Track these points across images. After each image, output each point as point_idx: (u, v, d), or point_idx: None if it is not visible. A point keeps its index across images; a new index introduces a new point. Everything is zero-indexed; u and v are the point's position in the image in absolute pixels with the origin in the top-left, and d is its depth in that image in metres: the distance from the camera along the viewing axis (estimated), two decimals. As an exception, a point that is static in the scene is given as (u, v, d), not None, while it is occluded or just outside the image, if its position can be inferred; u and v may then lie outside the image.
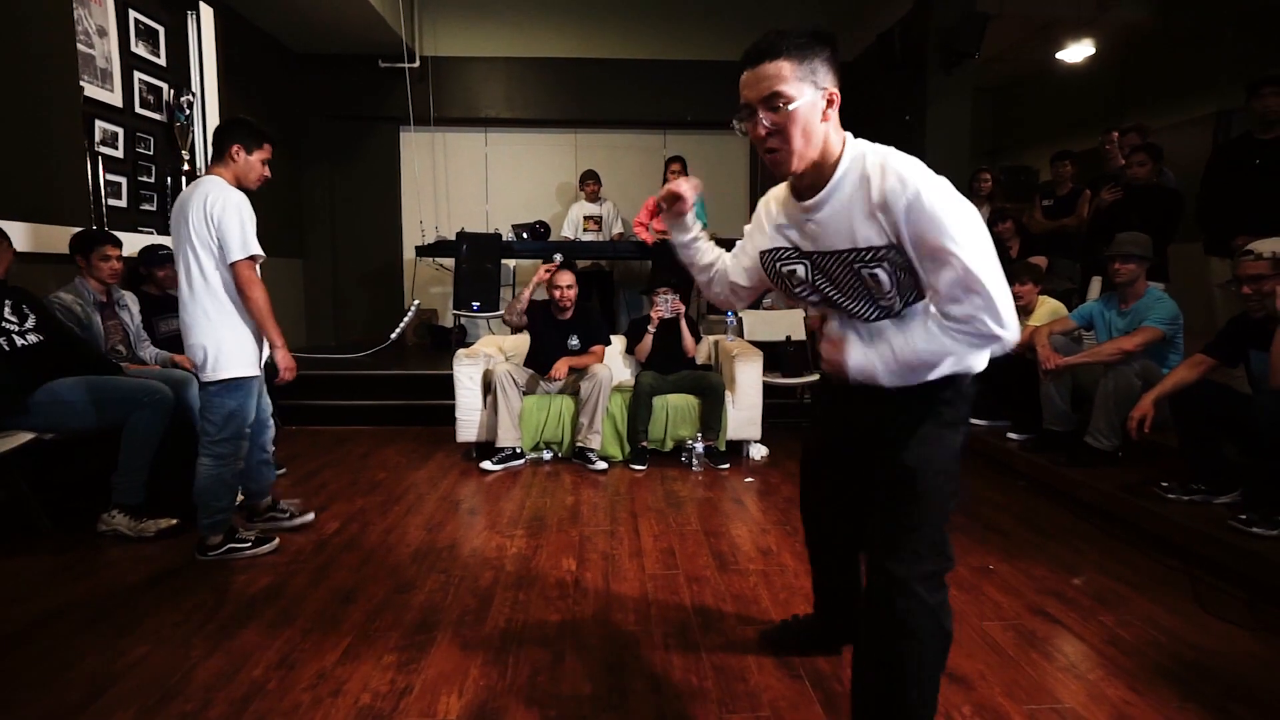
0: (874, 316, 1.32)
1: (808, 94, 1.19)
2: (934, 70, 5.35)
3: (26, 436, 2.49)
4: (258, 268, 2.41)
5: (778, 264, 1.41)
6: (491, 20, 6.59)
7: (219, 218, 2.30)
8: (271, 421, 2.82)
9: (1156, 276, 3.60)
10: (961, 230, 1.15)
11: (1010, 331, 1.20)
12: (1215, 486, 2.67)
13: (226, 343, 2.37)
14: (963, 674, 1.75)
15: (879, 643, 1.32)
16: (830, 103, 1.21)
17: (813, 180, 1.27)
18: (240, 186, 2.43)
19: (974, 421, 4.14)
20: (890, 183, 1.17)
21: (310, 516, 2.80)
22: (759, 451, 3.89)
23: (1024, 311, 3.82)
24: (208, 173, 2.42)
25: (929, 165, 1.20)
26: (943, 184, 1.18)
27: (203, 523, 2.42)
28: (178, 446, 2.71)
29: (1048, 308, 3.77)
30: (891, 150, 1.23)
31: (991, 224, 4.91)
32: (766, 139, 1.23)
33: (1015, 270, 3.88)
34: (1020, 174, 7.27)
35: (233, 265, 2.33)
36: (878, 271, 1.25)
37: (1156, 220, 3.76)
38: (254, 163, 2.46)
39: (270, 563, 2.42)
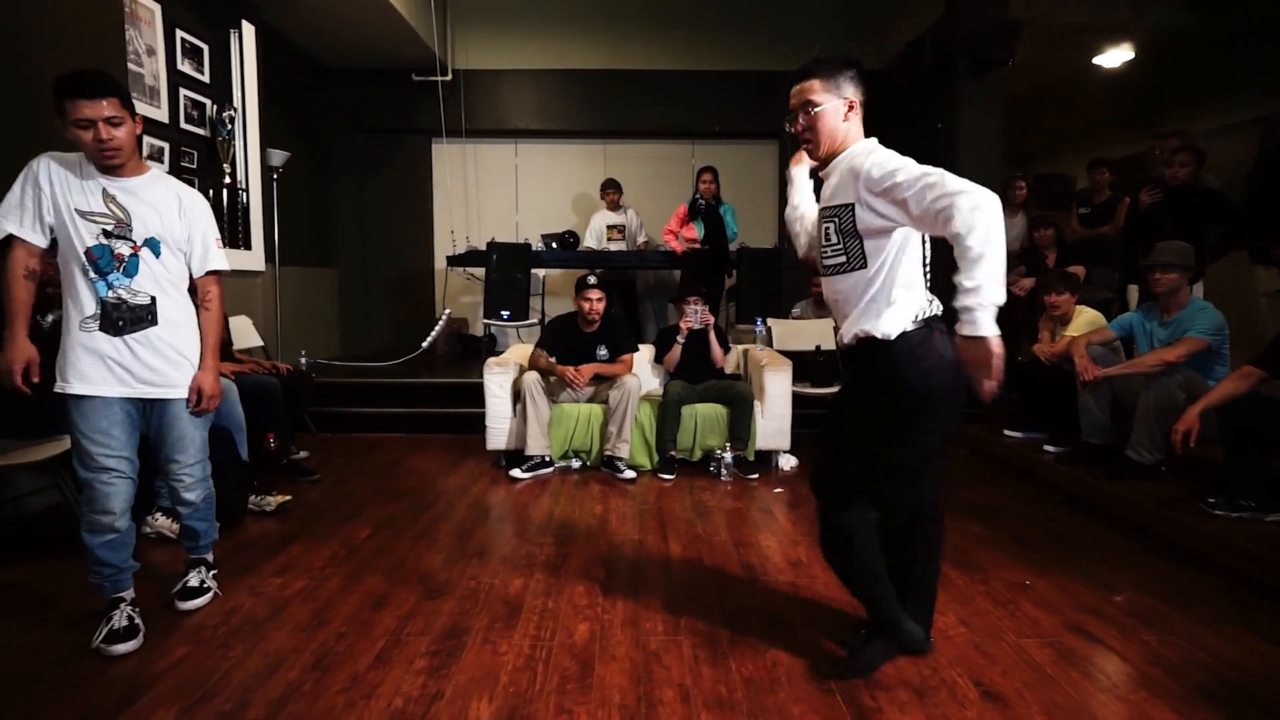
0: (834, 269, 1.69)
1: (832, 101, 1.66)
2: (965, 78, 5.30)
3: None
4: (23, 253, 1.87)
5: (820, 220, 1.73)
6: (522, 33, 6.69)
7: None
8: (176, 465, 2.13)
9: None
10: (899, 168, 1.52)
11: (971, 186, 1.43)
12: (1264, 503, 2.59)
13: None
14: (999, 691, 1.72)
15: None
16: (851, 108, 1.67)
17: (830, 160, 1.72)
18: (101, 166, 1.89)
19: (1009, 433, 4.08)
20: (862, 158, 1.60)
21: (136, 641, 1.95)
22: (788, 462, 3.86)
23: (1061, 321, 3.75)
24: None
25: (960, 173, 1.45)
26: (893, 155, 1.58)
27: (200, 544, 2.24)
28: (215, 453, 2.77)
29: (1086, 318, 3.69)
30: (888, 153, 1.60)
31: (1030, 231, 4.84)
32: (803, 132, 1.72)
33: (1051, 280, 3.82)
34: (1054, 182, 7.14)
35: None
36: (828, 227, 1.67)
37: (1196, 222, 3.66)
38: (73, 133, 1.82)
39: (304, 566, 2.46)
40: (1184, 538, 2.63)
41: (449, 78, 6.50)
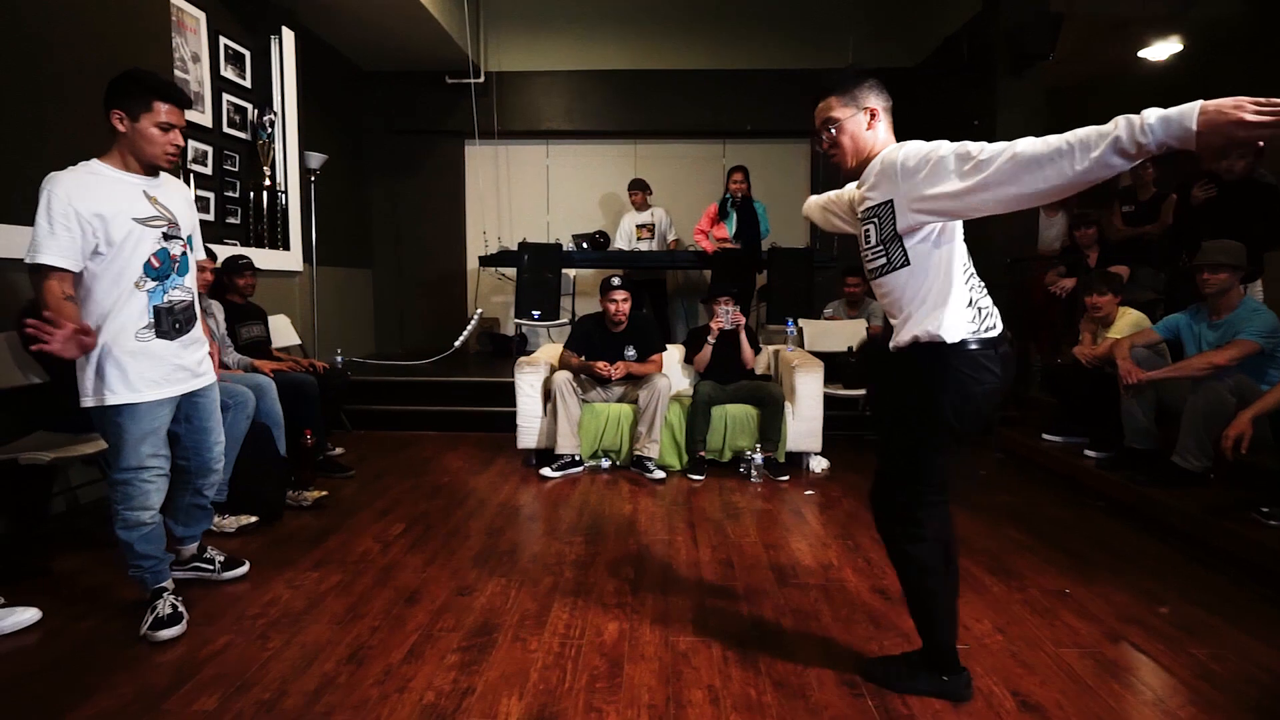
0: (876, 271, 1.64)
1: (852, 114, 1.64)
2: (1003, 74, 5.19)
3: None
4: (56, 282, 1.77)
5: (860, 224, 1.69)
6: (553, 35, 6.74)
7: (39, 206, 1.78)
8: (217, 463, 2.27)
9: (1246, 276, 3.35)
10: (933, 148, 1.48)
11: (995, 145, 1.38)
12: (1321, 513, 2.48)
13: (84, 368, 1.88)
14: (1037, 701, 1.67)
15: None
16: (874, 115, 1.64)
17: (861, 170, 1.68)
18: (147, 167, 1.94)
19: (1047, 437, 3.98)
20: (893, 154, 1.56)
21: (244, 569, 2.37)
22: (819, 464, 3.82)
23: (1102, 323, 3.65)
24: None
25: None
26: (922, 142, 1.52)
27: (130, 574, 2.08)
28: (255, 449, 2.85)
29: (1129, 319, 3.58)
30: (914, 144, 1.54)
31: (1071, 230, 4.72)
32: (829, 149, 1.70)
33: (1092, 280, 3.71)
34: (1097, 179, 6.94)
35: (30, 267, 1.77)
36: (868, 229, 1.63)
37: (1253, 219, 3.51)
38: (147, 130, 1.87)
39: (339, 561, 2.51)
40: (1235, 547, 2.54)
41: (481, 80, 6.57)
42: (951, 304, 1.55)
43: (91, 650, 1.90)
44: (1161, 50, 6.01)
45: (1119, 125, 1.25)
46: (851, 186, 1.87)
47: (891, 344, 1.67)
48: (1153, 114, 1.23)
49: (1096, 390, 3.46)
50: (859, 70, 1.66)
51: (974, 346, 1.56)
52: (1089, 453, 3.59)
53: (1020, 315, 4.79)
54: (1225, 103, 1.19)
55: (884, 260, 1.61)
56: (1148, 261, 4.41)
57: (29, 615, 2.02)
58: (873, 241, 1.62)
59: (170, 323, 1.97)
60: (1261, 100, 1.18)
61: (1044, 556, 2.60)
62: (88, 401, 1.90)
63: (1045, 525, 2.94)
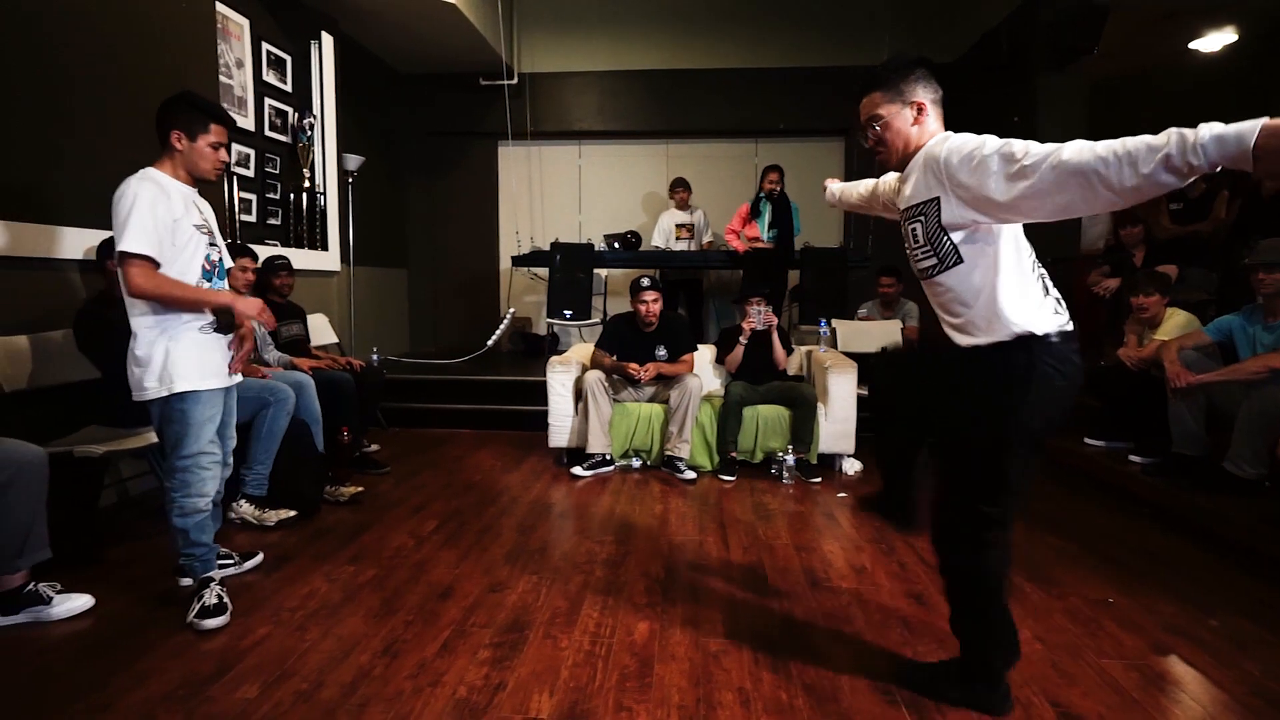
0: (926, 271, 1.59)
1: (897, 110, 1.59)
2: (1044, 69, 5.06)
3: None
4: (150, 270, 1.94)
5: (905, 223, 1.65)
6: (585, 36, 6.77)
7: (115, 205, 1.93)
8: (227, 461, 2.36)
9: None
10: (980, 142, 1.43)
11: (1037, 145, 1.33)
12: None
13: (153, 358, 2.01)
14: (1079, 713, 1.63)
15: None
16: (920, 110, 1.58)
17: (907, 162, 1.64)
18: (194, 179, 2.10)
19: (1090, 442, 3.87)
20: (938, 148, 1.51)
21: (259, 558, 2.46)
22: (852, 466, 3.78)
23: (1149, 324, 3.53)
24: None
25: None
26: (969, 136, 1.48)
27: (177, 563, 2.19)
28: (294, 445, 2.92)
29: (1177, 320, 3.46)
30: (961, 137, 1.50)
31: (1117, 229, 4.58)
32: (875, 145, 1.66)
33: (1138, 280, 3.60)
34: (1144, 176, 6.72)
35: (121, 262, 1.94)
36: (914, 227, 1.58)
37: None
38: (202, 149, 2.05)
39: (374, 556, 2.56)
40: (1290, 559, 2.44)
41: (515, 81, 6.63)
42: (1027, 295, 1.48)
43: (141, 636, 1.96)
44: (1215, 41, 5.79)
45: (1171, 141, 1.16)
46: (891, 176, 1.83)
47: (963, 343, 1.55)
48: (1208, 131, 1.13)
49: (1142, 394, 3.35)
50: (906, 61, 1.59)
51: (1057, 340, 1.48)
52: (1134, 458, 3.49)
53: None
54: None
55: (934, 260, 1.54)
56: (1198, 261, 4.26)
57: (83, 601, 2.10)
58: (920, 240, 1.56)
59: (224, 320, 2.14)
60: None
61: (1086, 564, 2.53)
62: (153, 392, 2.01)
63: (1087, 532, 2.86)
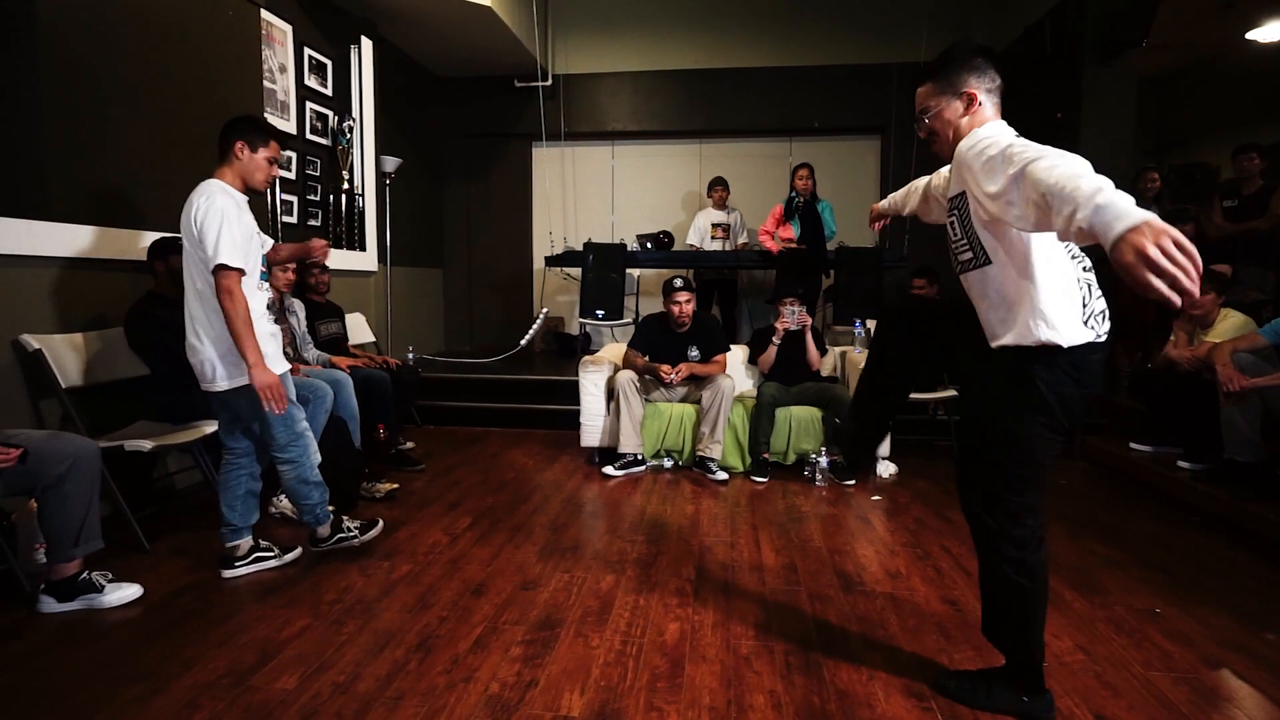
0: (963, 265, 1.59)
1: (947, 102, 1.57)
2: (1090, 62, 4.91)
3: (215, 425, 2.83)
4: (250, 283, 2.22)
5: (947, 216, 1.64)
6: (619, 37, 6.78)
7: (201, 222, 2.15)
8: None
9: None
10: (992, 142, 1.41)
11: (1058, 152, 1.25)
12: None
13: (227, 350, 2.21)
14: (1124, 727, 1.58)
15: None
16: (972, 101, 1.54)
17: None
18: (247, 188, 2.32)
19: (1136, 446, 3.75)
20: (968, 142, 1.50)
21: (378, 528, 2.63)
22: (887, 469, 3.72)
23: (1201, 324, 3.40)
24: (214, 174, 2.28)
25: None
26: (996, 131, 1.48)
27: (305, 519, 2.50)
28: (332, 441, 2.98)
29: (1232, 322, 3.33)
30: (992, 130, 1.50)
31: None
32: (928, 136, 1.65)
33: None
34: (1194, 172, 6.48)
35: (213, 272, 2.15)
36: (953, 220, 1.59)
37: None
38: (260, 161, 2.30)
39: (409, 552, 2.60)
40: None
41: (549, 83, 6.68)
42: (1060, 305, 1.43)
43: (187, 625, 2.03)
44: (1275, 30, 5.55)
45: (1079, 197, 1.10)
46: (945, 169, 1.80)
47: (992, 344, 1.56)
48: (1106, 196, 1.08)
49: (1192, 397, 3.23)
50: (963, 50, 1.57)
51: (1082, 349, 1.46)
52: (1183, 464, 3.37)
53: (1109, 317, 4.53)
54: (1163, 233, 1.01)
55: (970, 254, 1.55)
56: (1254, 260, 4.09)
57: (133, 591, 2.18)
58: (958, 234, 1.58)
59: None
60: (1170, 288, 1.01)
61: (1132, 573, 2.45)
62: (242, 379, 2.23)
63: (1133, 540, 2.77)
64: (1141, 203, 3.90)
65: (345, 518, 2.57)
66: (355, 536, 2.54)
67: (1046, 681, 1.64)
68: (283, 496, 2.92)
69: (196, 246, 2.17)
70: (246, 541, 2.45)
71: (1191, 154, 6.90)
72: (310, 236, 4.68)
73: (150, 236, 2.95)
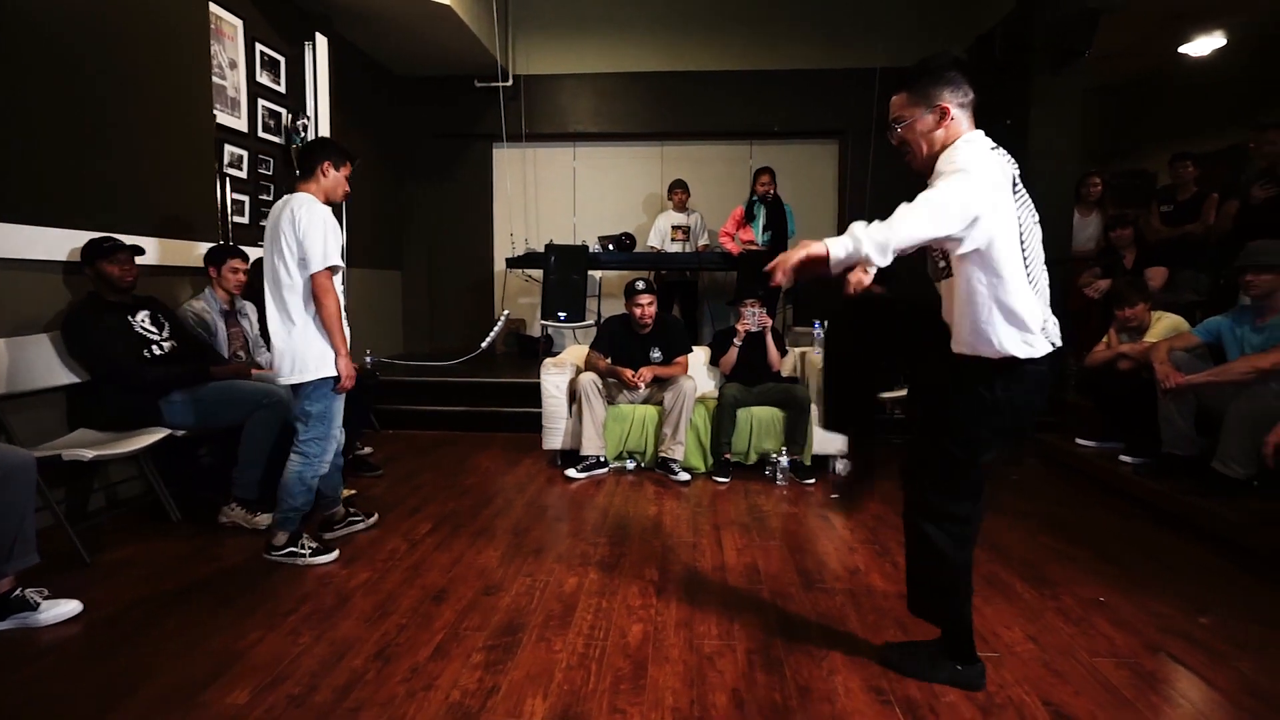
0: (939, 273, 1.64)
1: (920, 114, 1.60)
2: (1039, 71, 5.08)
3: (162, 433, 2.74)
4: (336, 278, 2.52)
5: None
6: (580, 38, 6.76)
7: (305, 230, 2.40)
8: (341, 432, 2.78)
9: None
10: (945, 173, 1.48)
11: (959, 182, 1.44)
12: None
13: (311, 347, 2.47)
14: (1070, 712, 1.63)
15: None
16: (944, 114, 1.58)
17: (931, 167, 1.62)
18: (327, 200, 2.56)
19: (1082, 442, 3.89)
20: (945, 155, 1.54)
21: (374, 517, 2.90)
22: (845, 467, 3.78)
23: (1138, 331, 3.55)
24: (297, 188, 2.53)
25: (1031, 171, 1.40)
26: (966, 157, 1.49)
27: (275, 516, 2.52)
28: (287, 447, 2.90)
29: (1167, 323, 3.48)
30: (973, 145, 1.54)
31: (1108, 231, 4.61)
32: (900, 146, 1.66)
33: (1121, 290, 3.62)
34: (1135, 178, 6.76)
35: (312, 275, 2.42)
36: None
37: None
38: (340, 179, 2.60)
39: (368, 559, 2.55)
40: (1280, 558, 2.46)
41: (510, 83, 6.62)
42: (1017, 321, 1.52)
43: (131, 642, 1.95)
44: (1206, 45, 5.84)
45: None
46: None
47: (955, 348, 1.65)
48: (856, 232, 1.40)
49: (1133, 395, 3.37)
50: (937, 62, 1.60)
51: (1039, 360, 1.55)
52: (1125, 458, 3.51)
53: (1058, 318, 4.70)
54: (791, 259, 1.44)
55: (944, 264, 1.61)
56: (1189, 263, 4.29)
57: (70, 608, 2.08)
58: (933, 246, 1.63)
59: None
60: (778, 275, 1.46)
61: (1079, 564, 2.54)
62: (309, 375, 2.46)
63: (1080, 532, 2.87)
64: (1082, 206, 4.04)
65: (305, 535, 2.55)
66: (304, 557, 2.49)
67: (998, 671, 1.69)
68: (233, 506, 2.83)
69: (292, 250, 2.40)
70: (340, 510, 2.80)
71: (1138, 161, 7.20)
72: (261, 237, 4.56)
73: (83, 236, 2.81)
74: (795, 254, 1.41)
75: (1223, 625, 2.08)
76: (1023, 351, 1.53)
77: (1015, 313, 1.51)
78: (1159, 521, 3.00)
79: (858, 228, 1.39)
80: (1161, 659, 1.89)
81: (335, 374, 2.52)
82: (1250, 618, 2.12)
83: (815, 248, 1.39)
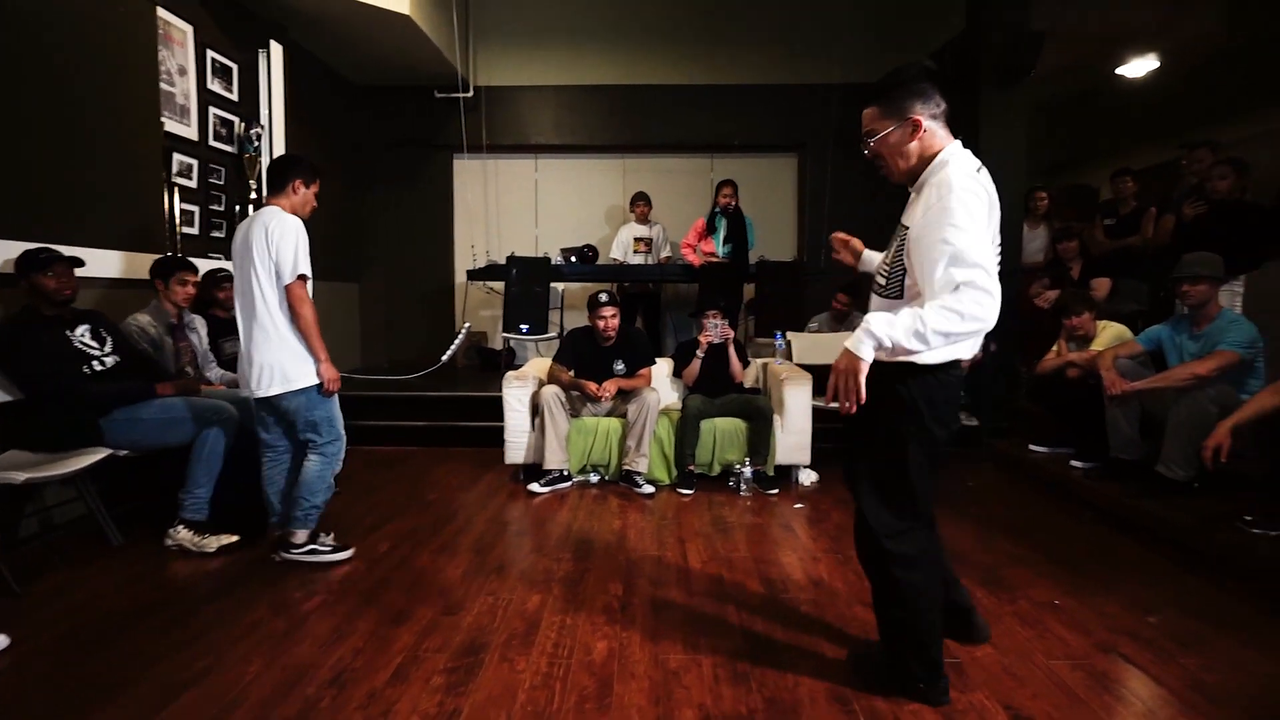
0: (878, 289, 1.69)
1: (892, 127, 1.59)
2: (987, 89, 5.25)
3: (103, 453, 2.61)
4: (308, 287, 2.56)
5: (894, 238, 1.67)
6: (542, 50, 6.76)
7: (278, 241, 2.47)
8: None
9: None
10: (957, 220, 1.46)
11: (978, 280, 1.44)
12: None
13: (292, 357, 2.52)
14: (1029, 715, 1.66)
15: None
16: (917, 126, 1.57)
17: (912, 179, 1.66)
18: (295, 215, 2.60)
19: (1034, 448, 4.00)
20: (945, 182, 1.51)
21: (349, 553, 2.68)
22: (808, 477, 3.82)
23: (1084, 340, 3.68)
24: (267, 203, 2.61)
25: None
26: (963, 193, 1.48)
27: (294, 515, 2.60)
28: (240, 465, 2.80)
29: (1112, 332, 3.61)
30: (963, 168, 1.54)
31: (1054, 244, 4.77)
32: (874, 159, 1.66)
33: (1068, 301, 3.74)
34: (1080, 193, 7.04)
35: (287, 285, 2.49)
36: (897, 243, 1.62)
37: (1244, 236, 3.58)
38: (310, 195, 2.68)
39: (323, 580, 2.47)
40: (1225, 556, 2.55)
41: (470, 94, 6.58)
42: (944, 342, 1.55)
43: (68, 676, 1.84)
44: (1140, 66, 6.14)
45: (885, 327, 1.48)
46: None
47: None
48: (881, 331, 1.48)
49: (1082, 401, 3.48)
50: (908, 74, 1.60)
51: (947, 365, 1.59)
52: (1075, 463, 3.62)
53: (1009, 327, 4.84)
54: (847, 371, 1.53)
55: (885, 280, 1.64)
56: (1131, 274, 4.47)
57: None
58: (889, 257, 1.65)
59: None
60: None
61: (1034, 567, 2.60)
62: (293, 385, 2.51)
63: (1036, 536, 2.95)
64: (1030, 219, 4.18)
65: (323, 533, 2.66)
66: (324, 554, 2.61)
67: (960, 677, 1.71)
68: (179, 528, 2.71)
69: (267, 262, 2.45)
70: (303, 532, 2.66)
71: (1081, 177, 7.49)
72: (213, 249, 4.43)
73: (19, 247, 2.68)
74: (844, 379, 1.53)
75: (1169, 624, 2.14)
76: (927, 358, 1.55)
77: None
78: (1109, 524, 3.09)
79: (882, 329, 1.47)
80: (1113, 659, 1.94)
81: (318, 380, 2.57)
82: (1195, 615, 2.20)
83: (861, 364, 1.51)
